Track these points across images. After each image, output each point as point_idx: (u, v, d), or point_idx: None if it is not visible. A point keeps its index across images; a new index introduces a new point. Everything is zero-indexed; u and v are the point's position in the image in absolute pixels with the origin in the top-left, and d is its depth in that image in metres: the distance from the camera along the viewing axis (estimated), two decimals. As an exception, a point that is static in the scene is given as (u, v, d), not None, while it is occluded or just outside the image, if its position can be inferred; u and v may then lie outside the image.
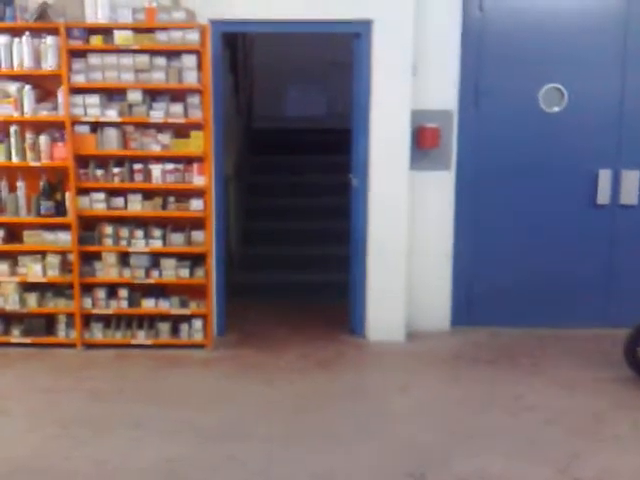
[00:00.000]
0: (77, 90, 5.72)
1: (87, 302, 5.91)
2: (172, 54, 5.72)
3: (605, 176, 6.35)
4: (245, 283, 7.35)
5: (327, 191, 8.04)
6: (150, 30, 5.68)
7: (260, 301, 7.16)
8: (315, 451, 4.40)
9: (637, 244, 6.44)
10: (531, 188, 6.38)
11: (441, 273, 6.40)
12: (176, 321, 6.00)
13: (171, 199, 5.88)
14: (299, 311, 7.00)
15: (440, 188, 6.30)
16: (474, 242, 6.43)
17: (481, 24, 6.19)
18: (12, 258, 5.91)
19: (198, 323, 5.97)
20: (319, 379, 5.50)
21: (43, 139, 5.76)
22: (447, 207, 6.32)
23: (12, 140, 5.75)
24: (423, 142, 6.13)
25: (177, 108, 5.76)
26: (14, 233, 5.93)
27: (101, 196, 5.83)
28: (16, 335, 5.93)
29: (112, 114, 5.73)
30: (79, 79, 5.70)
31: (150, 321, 5.99)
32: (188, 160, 5.84)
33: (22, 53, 5.65)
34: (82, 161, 5.82)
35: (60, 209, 5.85)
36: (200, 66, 5.71)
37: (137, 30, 5.66)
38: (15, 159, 5.77)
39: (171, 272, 5.90)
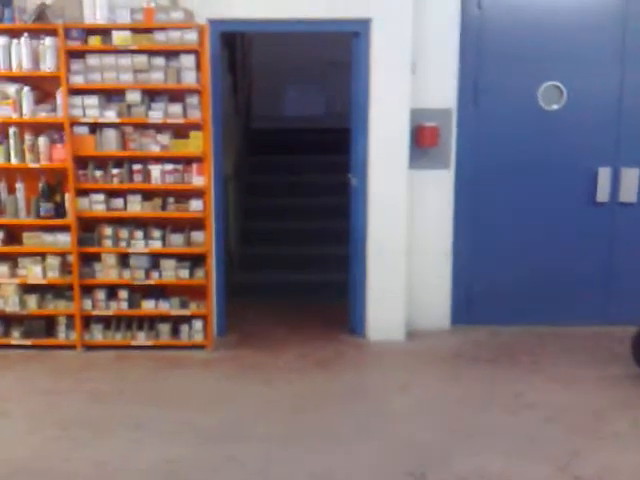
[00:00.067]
0: (76, 91, 5.72)
1: (87, 303, 5.91)
2: (170, 54, 5.72)
3: (604, 174, 6.34)
4: (244, 283, 7.35)
5: (326, 191, 8.04)
6: (148, 30, 5.67)
7: (259, 301, 7.16)
8: (314, 451, 4.40)
9: (636, 242, 6.45)
10: (531, 186, 6.38)
11: (441, 272, 6.40)
12: (176, 322, 6.00)
13: (170, 200, 5.88)
14: (298, 311, 7.00)
15: (439, 187, 6.30)
16: (474, 240, 6.43)
17: (480, 22, 6.18)
18: (12, 260, 5.91)
19: (198, 324, 5.96)
20: (319, 379, 5.50)
21: (42, 140, 5.76)
22: (446, 206, 6.32)
23: (11, 141, 5.75)
24: (422, 141, 6.13)
25: (176, 108, 5.76)
26: (14, 235, 5.93)
27: (100, 197, 5.83)
28: (16, 337, 5.93)
29: (111, 115, 5.72)
30: (78, 80, 5.70)
31: (150, 322, 5.99)
32: (187, 160, 5.83)
33: (21, 54, 5.65)
34: (81, 162, 5.81)
35: (59, 210, 5.85)
36: (199, 66, 5.71)
37: (135, 30, 5.66)
38: (14, 160, 5.77)
39: (171, 273, 5.90)
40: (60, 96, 5.70)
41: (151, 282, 5.90)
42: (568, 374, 5.55)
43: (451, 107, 6.21)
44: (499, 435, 4.61)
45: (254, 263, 7.73)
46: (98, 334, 5.95)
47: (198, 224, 5.90)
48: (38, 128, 5.80)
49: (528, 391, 5.25)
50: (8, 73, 5.71)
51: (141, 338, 5.94)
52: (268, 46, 9.37)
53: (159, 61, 5.70)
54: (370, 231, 6.16)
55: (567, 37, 6.19)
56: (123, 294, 5.92)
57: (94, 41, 5.66)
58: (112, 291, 5.96)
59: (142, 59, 5.68)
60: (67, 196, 5.82)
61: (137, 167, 5.81)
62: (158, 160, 5.83)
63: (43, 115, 5.75)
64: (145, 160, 5.83)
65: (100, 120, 5.73)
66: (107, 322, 5.97)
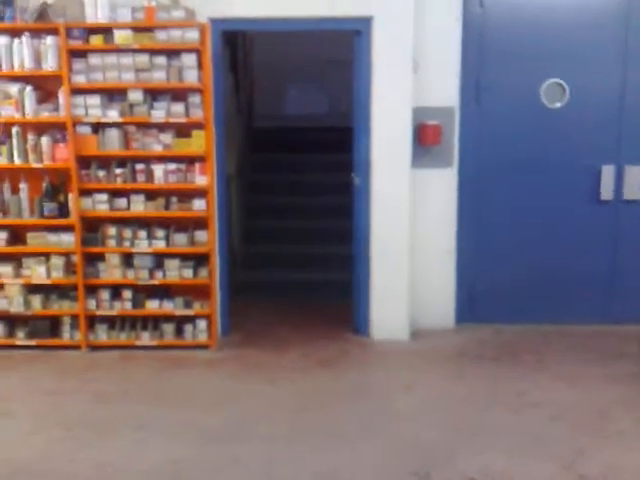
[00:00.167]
0: (78, 91, 5.72)
1: (91, 303, 5.91)
2: (172, 53, 5.71)
3: (608, 172, 6.33)
4: (247, 282, 7.35)
5: (328, 190, 8.03)
6: (150, 29, 5.67)
7: (262, 300, 7.15)
8: (319, 450, 4.40)
9: (641, 240, 6.44)
10: (534, 184, 6.36)
11: (444, 271, 6.39)
12: (180, 322, 6.00)
13: (174, 199, 5.88)
14: (301, 310, 6.99)
15: (442, 185, 6.29)
16: (477, 239, 6.41)
17: (482, 20, 6.17)
18: (16, 260, 5.91)
19: (202, 323, 5.96)
20: (322, 378, 5.50)
21: (45, 140, 5.76)
22: (449, 204, 6.31)
23: (14, 141, 5.75)
24: (425, 139, 6.12)
25: (178, 107, 5.75)
26: (18, 235, 5.93)
27: (104, 197, 5.83)
28: (21, 337, 5.93)
29: (113, 114, 5.72)
30: (80, 79, 5.69)
31: (154, 322, 5.99)
32: (190, 160, 5.83)
33: (22, 54, 5.65)
34: (84, 162, 5.81)
35: (63, 210, 5.85)
36: (200, 65, 5.70)
37: (137, 29, 5.65)
38: (17, 161, 5.77)
39: (175, 272, 5.90)
40: (62, 96, 5.69)
41: (155, 282, 5.90)
42: (572, 372, 5.55)
43: (453, 105, 6.19)
44: (503, 434, 4.60)
45: (257, 262, 7.72)
46: (102, 334, 5.95)
47: (201, 223, 5.90)
48: (41, 128, 5.80)
49: (532, 390, 5.25)
50: (10, 73, 5.71)
51: (145, 338, 5.94)
52: (270, 45, 9.34)
53: (161, 60, 5.70)
54: (373, 230, 6.15)
55: (570, 35, 6.17)
56: (127, 294, 5.92)
57: (96, 40, 5.65)
58: (116, 291, 5.95)
59: (144, 58, 5.68)
60: (70, 196, 5.82)
61: (140, 167, 5.81)
62: (161, 159, 5.82)
63: (46, 115, 5.75)
64: (148, 160, 5.83)
65: (102, 120, 5.73)
66: (111, 322, 5.98)
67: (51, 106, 5.78)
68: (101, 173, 5.81)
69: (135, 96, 5.73)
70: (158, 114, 5.74)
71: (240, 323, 6.49)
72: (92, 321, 5.98)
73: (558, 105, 6.27)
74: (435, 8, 6.01)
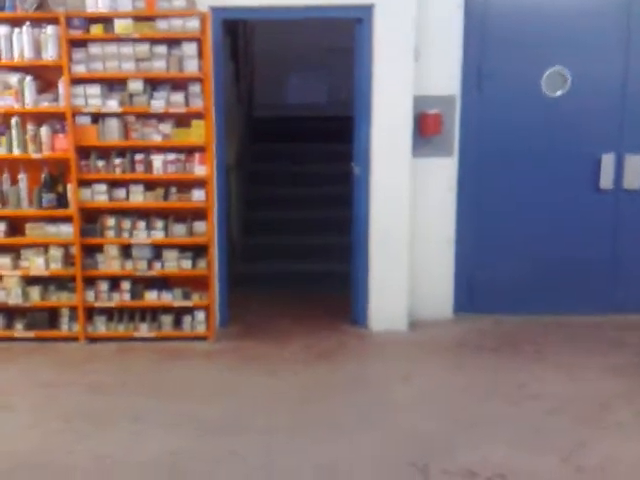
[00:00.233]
0: (78, 80, 5.69)
1: (90, 295, 5.91)
2: (172, 42, 5.69)
3: (608, 160, 6.30)
4: (246, 273, 7.34)
5: (328, 180, 8.01)
6: (150, 18, 5.65)
7: (261, 291, 7.13)
8: (318, 442, 4.40)
9: (641, 229, 6.41)
10: (534, 173, 6.34)
11: (443, 261, 6.37)
12: (179, 313, 5.99)
13: (173, 190, 5.86)
14: (300, 301, 6.98)
15: (443, 175, 6.26)
16: (477, 229, 6.39)
17: (484, 7, 6.13)
18: (14, 251, 5.90)
19: (201, 315, 5.96)
20: (321, 370, 5.50)
21: (44, 130, 5.74)
22: (449, 194, 6.28)
23: (13, 132, 5.73)
24: (425, 129, 6.09)
25: (178, 97, 5.73)
26: (16, 226, 5.92)
27: (103, 188, 5.81)
28: (19, 329, 5.93)
29: (113, 104, 5.70)
30: (80, 69, 5.67)
31: (153, 313, 5.99)
32: (189, 150, 5.81)
33: (22, 44, 5.62)
34: (83, 152, 5.80)
35: (62, 201, 5.83)
36: (201, 54, 5.68)
37: (137, 18, 5.62)
38: (16, 151, 5.75)
39: (173, 263, 5.89)
40: (62, 85, 5.67)
41: (153, 273, 5.89)
42: (572, 363, 5.54)
43: (454, 94, 6.16)
44: (502, 425, 4.61)
45: (256, 253, 7.71)
46: (101, 326, 5.94)
47: (200, 214, 5.88)
48: (40, 118, 5.78)
49: (532, 381, 5.24)
50: (10, 63, 5.69)
51: (144, 330, 5.94)
52: (270, 33, 9.31)
53: (161, 49, 5.68)
54: (373, 220, 6.13)
55: (571, 22, 6.14)
56: (126, 285, 5.91)
57: (96, 30, 5.62)
58: (115, 282, 5.95)
59: (144, 47, 5.66)
60: (69, 187, 5.80)
61: (139, 157, 5.79)
62: (160, 150, 5.81)
63: (45, 105, 5.73)
64: (147, 150, 5.81)
65: (102, 110, 5.71)
66: (110, 314, 5.97)
67: (51, 96, 5.77)
68: (100, 163, 5.79)
69: (135, 86, 5.71)
70: (158, 104, 5.72)
71: (239, 315, 6.48)
72: (90, 313, 5.97)
73: (559, 93, 6.23)
74: (436, -5, 5.98)
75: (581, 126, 6.28)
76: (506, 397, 4.99)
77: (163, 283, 5.98)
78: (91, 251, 5.89)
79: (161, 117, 5.79)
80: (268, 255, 7.63)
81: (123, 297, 5.92)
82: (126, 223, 5.86)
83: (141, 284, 5.94)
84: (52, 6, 5.63)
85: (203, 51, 5.67)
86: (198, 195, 5.84)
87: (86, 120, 5.76)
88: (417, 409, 4.86)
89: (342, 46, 7.52)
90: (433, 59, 6.03)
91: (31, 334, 5.92)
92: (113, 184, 5.85)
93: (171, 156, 5.79)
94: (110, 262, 5.87)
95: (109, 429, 4.56)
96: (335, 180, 7.62)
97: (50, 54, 5.64)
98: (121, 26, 5.61)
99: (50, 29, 5.61)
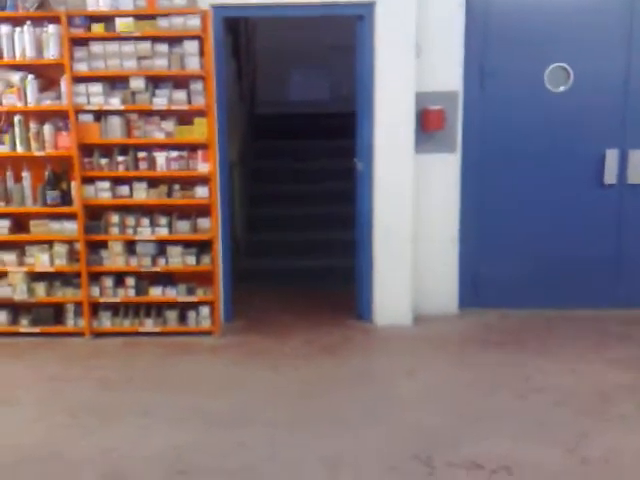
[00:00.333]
0: (80, 79, 5.71)
1: (95, 291, 5.93)
2: (174, 40, 5.71)
3: (612, 156, 6.30)
4: (250, 269, 7.36)
5: (331, 176, 8.02)
6: (151, 16, 5.66)
7: (265, 287, 7.16)
8: (323, 436, 4.41)
9: (645, 223, 6.42)
10: (538, 168, 6.34)
11: (447, 255, 6.37)
12: (183, 308, 6.02)
13: (176, 187, 5.88)
14: (304, 297, 6.99)
15: (446, 171, 6.27)
16: (480, 224, 6.40)
17: (485, 3, 6.13)
18: (19, 248, 5.93)
19: (205, 310, 5.98)
20: (326, 364, 5.51)
21: (47, 128, 5.77)
22: (453, 189, 6.29)
23: (16, 130, 5.76)
24: (428, 125, 6.10)
25: (180, 95, 5.75)
26: (21, 223, 5.95)
27: (106, 185, 5.83)
28: (25, 325, 5.96)
29: (115, 102, 5.72)
30: (81, 67, 5.69)
31: (157, 309, 6.01)
32: (192, 147, 5.83)
33: (24, 42, 5.65)
34: (86, 150, 5.82)
35: (66, 198, 5.86)
36: (202, 52, 5.69)
37: (138, 17, 5.64)
38: (20, 149, 5.78)
39: (177, 259, 5.91)
40: (64, 84, 5.69)
41: (158, 269, 5.92)
42: (577, 357, 5.55)
43: (457, 90, 6.16)
44: (507, 419, 4.61)
45: (260, 249, 7.73)
46: (106, 321, 5.97)
47: (204, 211, 5.90)
48: (43, 116, 5.80)
49: (536, 374, 5.24)
50: (12, 61, 5.71)
51: (149, 325, 5.96)
52: (272, 31, 9.33)
53: (162, 47, 5.69)
54: (376, 216, 6.14)
55: (574, 19, 6.14)
56: (130, 281, 5.93)
57: (97, 28, 5.65)
58: (119, 278, 5.97)
59: (145, 45, 5.67)
60: (73, 184, 5.82)
61: (142, 154, 5.81)
62: (163, 147, 5.83)
63: (48, 103, 5.75)
64: (150, 147, 5.83)
65: (104, 107, 5.73)
66: (115, 309, 6.00)
67: (53, 94, 5.78)
68: (103, 161, 5.81)
69: (137, 84, 5.73)
70: (160, 102, 5.74)
71: (243, 310, 6.50)
72: (96, 308, 6.00)
73: (562, 89, 6.23)
74: (438, -9, 5.98)
75: (584, 122, 6.28)
76: (511, 391, 5.00)
77: (168, 279, 6.00)
78: (95, 247, 5.91)
79: (163, 115, 5.81)
80: (272, 251, 7.65)
81: (128, 293, 5.94)
82: (130, 220, 5.88)
83: (146, 280, 5.96)
84: (53, 5, 5.66)
85: (204, 49, 5.69)
86: (201, 192, 5.86)
87: (89, 118, 5.78)
88: (422, 404, 4.87)
89: (344, 43, 7.54)
90: (435, 55, 6.04)
91: (37, 329, 5.94)
92: (116, 181, 5.87)
93: (174, 153, 5.81)
94: (115, 258, 5.90)
95: (115, 423, 4.57)
96: (338, 176, 7.64)
97: (52, 53, 5.66)
98: (122, 24, 5.63)
99: (51, 28, 5.62)
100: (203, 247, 5.95)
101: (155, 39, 5.68)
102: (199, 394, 4.99)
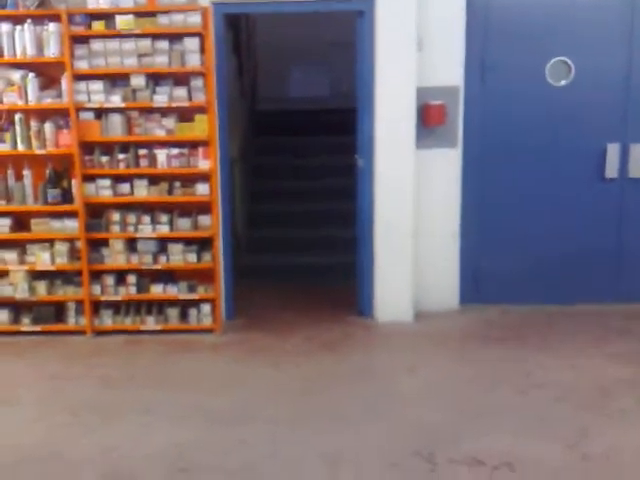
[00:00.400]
0: (80, 76, 5.71)
1: (96, 289, 5.94)
2: (174, 37, 5.71)
3: (613, 150, 6.29)
4: (251, 266, 7.36)
5: (332, 172, 8.01)
6: (152, 14, 5.66)
7: (266, 284, 7.15)
8: (324, 432, 4.42)
9: (646, 217, 6.40)
10: (539, 163, 6.33)
11: (448, 251, 6.37)
12: (184, 306, 6.03)
13: (177, 184, 5.88)
14: (305, 293, 6.99)
15: (447, 166, 6.26)
16: (481, 219, 6.39)
17: (486, -2, 6.13)
18: (20, 247, 5.93)
19: (206, 307, 5.99)
20: (327, 361, 5.52)
21: (48, 127, 5.77)
22: (454, 184, 6.28)
23: (17, 128, 5.76)
24: (429, 120, 6.09)
25: (181, 92, 5.75)
26: (22, 222, 5.96)
27: (107, 182, 5.84)
28: (26, 323, 5.97)
29: (116, 100, 5.72)
30: (82, 65, 5.69)
31: (159, 306, 6.02)
32: (193, 144, 5.83)
33: (24, 41, 5.65)
34: (87, 148, 5.82)
35: (67, 197, 5.86)
36: (203, 49, 5.69)
37: (139, 14, 5.64)
38: (21, 147, 5.79)
39: (178, 257, 5.92)
40: (65, 82, 5.69)
41: (159, 266, 5.92)
42: (577, 352, 5.54)
43: (458, 84, 6.15)
44: (508, 414, 4.61)
45: (261, 246, 7.73)
46: (108, 319, 5.98)
47: (205, 208, 5.90)
48: (44, 114, 5.80)
49: (537, 370, 5.25)
50: (12, 60, 5.71)
51: (150, 322, 5.97)
52: (273, 27, 9.32)
53: (163, 44, 5.69)
54: (377, 211, 6.14)
55: (575, 12, 6.12)
56: (131, 279, 5.94)
57: (98, 26, 5.65)
58: (121, 276, 5.98)
59: (146, 43, 5.67)
60: (74, 182, 5.83)
61: (143, 152, 5.82)
62: (164, 144, 5.83)
63: (48, 101, 5.75)
64: (151, 144, 5.83)
65: (105, 105, 5.73)
66: (116, 307, 6.00)
67: (54, 92, 5.78)
68: (104, 159, 5.81)
69: (137, 81, 5.73)
70: (160, 99, 5.74)
71: (244, 307, 6.49)
72: (97, 306, 6.01)
73: (563, 83, 6.22)
74: (438, -14, 5.97)
75: (585, 116, 6.26)
76: (512, 387, 5.00)
77: (169, 276, 6.00)
78: (97, 245, 5.92)
79: (164, 112, 5.81)
80: (273, 247, 7.64)
81: (129, 291, 5.95)
82: (131, 217, 5.88)
83: (147, 278, 5.97)
84: (54, 3, 5.65)
85: (205, 46, 5.69)
86: (202, 189, 5.86)
87: (89, 116, 5.78)
88: (423, 400, 4.87)
89: (344, 39, 7.53)
90: (436, 50, 6.03)
91: (38, 328, 5.95)
92: (117, 179, 5.87)
93: (175, 150, 5.82)
94: (116, 256, 5.90)
95: (117, 422, 4.58)
96: (338, 172, 7.63)
97: (52, 51, 5.66)
98: (123, 22, 5.63)
99: (52, 26, 5.63)
100: (204, 244, 5.96)
101: (155, 36, 5.68)
102: (200, 392, 5.00)
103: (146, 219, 5.88)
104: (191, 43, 5.70)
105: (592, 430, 4.39)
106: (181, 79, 5.79)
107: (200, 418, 4.60)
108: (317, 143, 8.55)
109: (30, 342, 5.87)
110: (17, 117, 5.75)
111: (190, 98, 5.76)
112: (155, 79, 5.79)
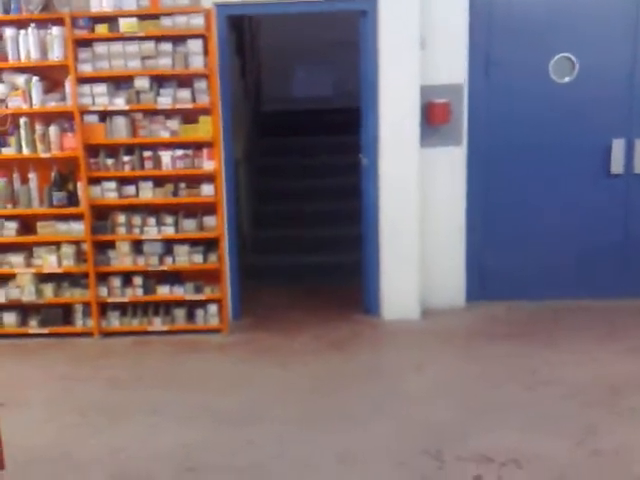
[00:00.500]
0: (84, 80, 5.73)
1: (103, 291, 5.96)
2: (178, 39, 5.72)
3: (619, 145, 6.28)
4: (257, 266, 7.37)
5: (337, 171, 8.00)
6: (155, 16, 5.68)
7: (272, 283, 7.16)
8: (332, 432, 4.42)
9: (652, 213, 6.39)
10: (544, 160, 6.32)
11: (454, 249, 6.36)
12: (191, 307, 6.04)
13: (182, 185, 5.90)
14: (312, 293, 6.99)
15: (452, 164, 6.25)
16: (487, 216, 6.38)
17: (489, -4, 6.13)
18: (27, 249, 5.96)
19: (213, 308, 6.00)
20: (334, 360, 5.52)
21: (53, 130, 5.79)
22: (459, 183, 6.28)
23: (22, 132, 5.78)
24: (433, 118, 6.08)
25: (184, 94, 5.76)
26: (28, 225, 5.98)
27: (112, 185, 5.86)
28: (34, 326, 5.99)
29: (120, 102, 5.74)
30: (86, 68, 5.71)
31: (166, 307, 6.03)
32: (197, 145, 5.84)
33: (28, 45, 5.67)
34: (92, 150, 5.84)
35: (72, 199, 5.88)
36: (206, 50, 5.70)
37: (142, 17, 5.66)
38: (26, 151, 5.81)
39: (184, 258, 5.93)
40: (69, 85, 5.71)
41: (165, 268, 5.94)
42: (584, 349, 5.53)
43: (462, 82, 6.14)
44: (516, 411, 4.61)
45: (267, 246, 7.72)
46: (115, 321, 6.00)
47: (210, 209, 5.91)
48: (48, 118, 5.82)
49: (544, 366, 5.24)
50: (17, 64, 5.73)
51: (157, 323, 5.99)
52: (276, 28, 9.32)
53: (166, 47, 5.71)
54: (382, 210, 6.14)
55: (579, 9, 6.11)
56: (138, 280, 5.96)
57: (101, 29, 5.67)
58: (127, 278, 5.99)
59: (149, 45, 5.69)
60: (79, 185, 5.85)
61: (148, 154, 5.83)
62: (168, 146, 5.84)
63: (53, 104, 5.77)
64: (155, 146, 5.84)
65: (109, 108, 5.75)
66: (123, 309, 6.02)
67: (58, 96, 5.81)
68: (109, 161, 5.83)
69: (141, 83, 5.75)
70: (165, 101, 5.75)
71: (251, 307, 6.51)
72: (104, 308, 6.03)
73: (567, 80, 6.21)
74: (442, -17, 5.97)
75: (590, 112, 6.25)
76: (519, 383, 5.00)
77: (175, 278, 6.02)
78: (103, 248, 5.94)
79: (168, 114, 5.82)
80: (279, 247, 7.64)
81: (136, 292, 5.97)
82: (136, 219, 5.90)
83: (153, 279, 5.98)
84: (57, 7, 5.67)
85: (208, 47, 5.70)
86: (207, 190, 5.87)
87: (94, 118, 5.80)
88: (430, 398, 4.87)
89: (347, 39, 7.53)
90: (440, 48, 6.02)
91: (45, 330, 5.97)
92: (122, 181, 5.89)
93: (179, 152, 5.83)
94: (122, 258, 5.92)
95: (125, 422, 4.60)
96: (344, 172, 7.61)
97: (56, 54, 5.68)
98: (126, 25, 5.65)
99: (55, 30, 5.65)
100: (210, 245, 5.97)
101: (159, 38, 5.69)
102: (208, 392, 5.01)
103: (152, 221, 5.90)
104: (194, 45, 5.71)
105: (601, 427, 4.38)
106: (185, 81, 5.81)
107: (208, 418, 4.61)
108: (321, 143, 8.54)
109: (38, 344, 5.89)
110: (22, 121, 5.77)
111: (194, 100, 5.77)
112: (159, 81, 5.81)
